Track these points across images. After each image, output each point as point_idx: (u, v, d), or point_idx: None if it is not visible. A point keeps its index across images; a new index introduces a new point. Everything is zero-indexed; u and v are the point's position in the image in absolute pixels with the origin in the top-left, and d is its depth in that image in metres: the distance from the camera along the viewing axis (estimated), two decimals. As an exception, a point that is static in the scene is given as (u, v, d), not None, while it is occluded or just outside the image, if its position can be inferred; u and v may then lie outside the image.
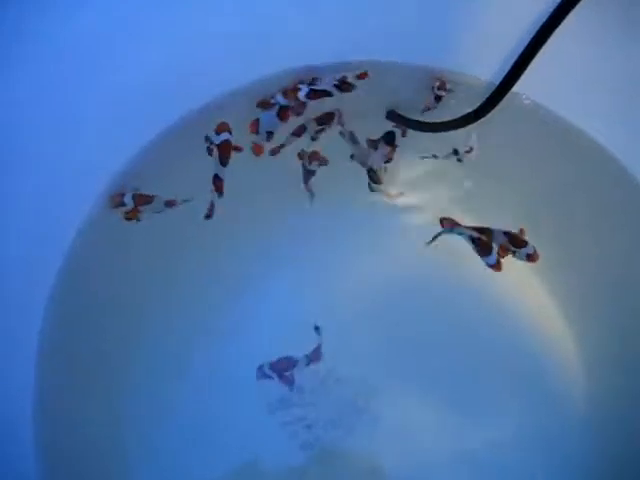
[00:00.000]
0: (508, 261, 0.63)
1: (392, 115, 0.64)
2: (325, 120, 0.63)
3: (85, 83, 0.54)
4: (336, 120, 0.64)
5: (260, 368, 0.62)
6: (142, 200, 0.60)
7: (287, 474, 0.61)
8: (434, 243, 0.62)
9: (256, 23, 0.58)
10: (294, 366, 0.62)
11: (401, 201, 0.67)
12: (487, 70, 0.60)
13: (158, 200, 0.61)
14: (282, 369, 0.62)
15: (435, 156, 0.65)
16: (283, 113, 0.62)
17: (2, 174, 0.52)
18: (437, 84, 0.62)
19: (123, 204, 0.60)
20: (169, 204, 0.61)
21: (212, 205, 0.61)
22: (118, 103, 0.57)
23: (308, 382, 0.63)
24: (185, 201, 0.61)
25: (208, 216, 0.62)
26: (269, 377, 0.62)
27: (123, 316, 0.62)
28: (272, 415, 0.62)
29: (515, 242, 0.61)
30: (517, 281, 0.66)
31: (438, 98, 0.63)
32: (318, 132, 0.64)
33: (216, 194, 0.61)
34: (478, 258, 0.63)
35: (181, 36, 0.56)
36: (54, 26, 0.50)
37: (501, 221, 0.66)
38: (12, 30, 0.48)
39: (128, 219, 0.60)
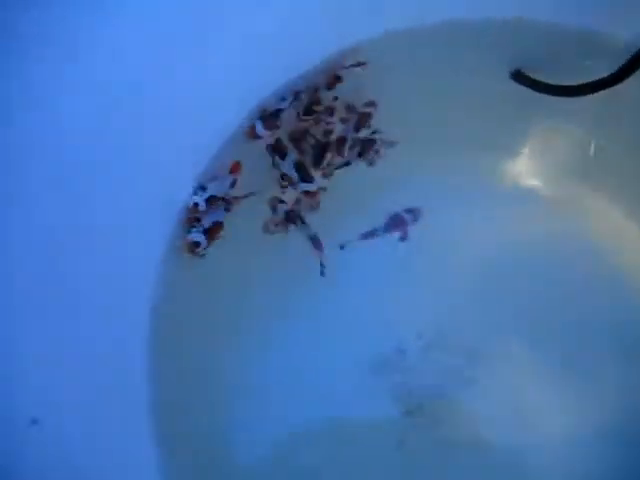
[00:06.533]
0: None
1: (518, 76, 0.61)
2: None
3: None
4: None
5: None
6: None
7: (384, 438, 0.60)
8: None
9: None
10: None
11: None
12: (629, 28, 0.55)
13: None
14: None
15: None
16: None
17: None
18: None
19: None
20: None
21: None
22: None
23: (412, 349, 0.62)
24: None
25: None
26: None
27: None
28: (375, 377, 0.61)
29: None
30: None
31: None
32: None
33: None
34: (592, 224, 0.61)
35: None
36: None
37: (620, 193, 0.63)
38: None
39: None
